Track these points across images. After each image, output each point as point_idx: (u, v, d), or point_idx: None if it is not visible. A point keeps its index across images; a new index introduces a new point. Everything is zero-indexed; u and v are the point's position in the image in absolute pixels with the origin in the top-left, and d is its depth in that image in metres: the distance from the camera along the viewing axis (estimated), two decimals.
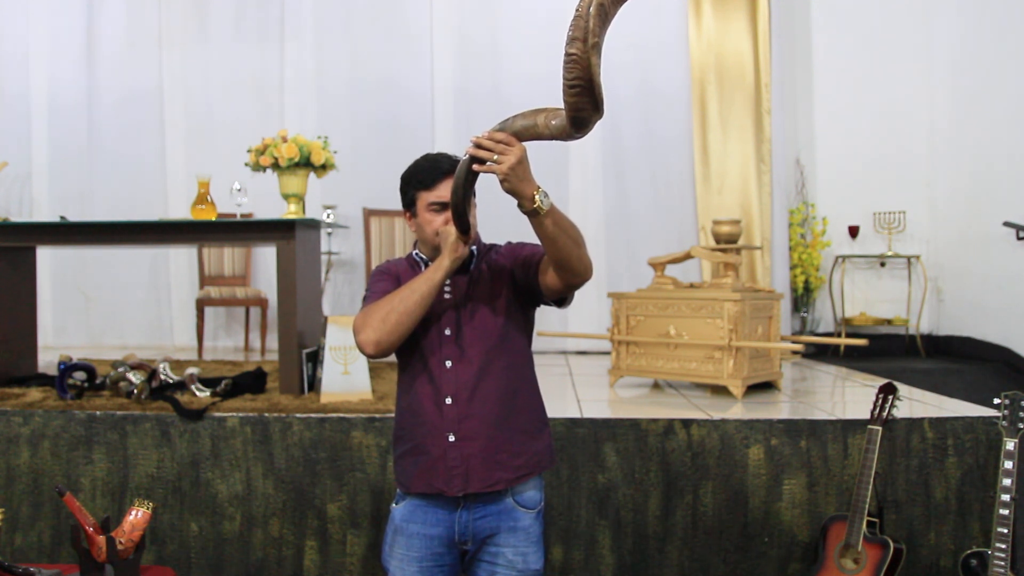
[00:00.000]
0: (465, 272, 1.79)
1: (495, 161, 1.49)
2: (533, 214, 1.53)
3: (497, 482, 1.72)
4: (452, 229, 1.68)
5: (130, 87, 5.73)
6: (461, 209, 1.63)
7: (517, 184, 1.50)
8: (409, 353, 1.76)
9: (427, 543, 1.75)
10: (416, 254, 1.86)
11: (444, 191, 1.72)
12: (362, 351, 1.66)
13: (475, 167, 1.53)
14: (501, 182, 1.51)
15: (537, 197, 1.51)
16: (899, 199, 5.68)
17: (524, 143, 1.52)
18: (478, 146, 1.51)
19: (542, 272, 1.70)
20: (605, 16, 1.33)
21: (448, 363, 1.73)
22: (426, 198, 1.75)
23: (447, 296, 1.76)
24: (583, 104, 1.39)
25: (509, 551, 1.75)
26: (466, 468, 1.70)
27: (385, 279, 1.80)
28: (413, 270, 1.81)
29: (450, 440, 1.71)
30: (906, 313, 5.71)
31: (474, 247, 1.80)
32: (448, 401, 1.71)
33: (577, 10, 1.33)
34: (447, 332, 1.74)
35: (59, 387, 3.23)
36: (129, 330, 5.74)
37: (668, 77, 5.54)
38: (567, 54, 1.34)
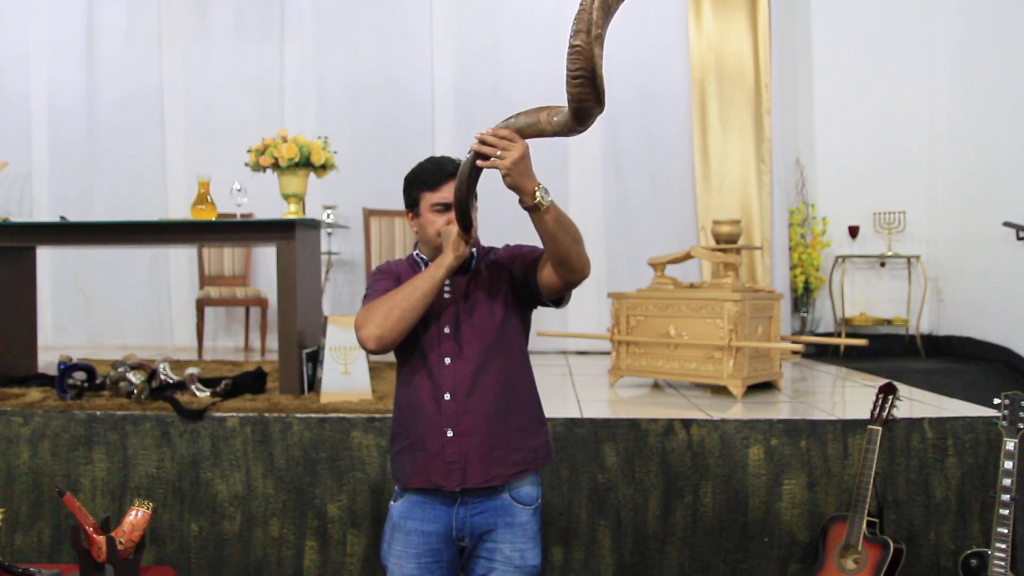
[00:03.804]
0: (465, 272, 1.81)
1: (498, 157, 1.52)
2: (534, 209, 1.56)
3: (494, 478, 1.73)
4: (454, 228, 1.71)
5: (130, 87, 5.73)
6: (464, 205, 1.66)
7: (519, 179, 1.53)
8: (409, 350, 1.78)
9: (425, 540, 1.76)
10: (417, 255, 1.88)
11: (448, 192, 1.75)
12: (363, 347, 1.69)
13: (479, 163, 1.56)
14: (504, 177, 1.53)
15: (538, 193, 1.54)
16: (899, 199, 5.68)
17: (527, 140, 1.54)
18: (482, 142, 1.54)
19: (540, 270, 1.73)
20: (608, 9, 1.36)
21: (447, 360, 1.75)
22: (430, 199, 1.78)
23: (446, 295, 1.79)
24: (586, 95, 1.41)
25: (506, 547, 1.77)
26: (464, 463, 1.72)
27: (386, 278, 1.82)
28: (414, 270, 1.83)
29: (448, 435, 1.73)
30: (906, 313, 5.71)
31: (474, 248, 1.83)
32: (447, 397, 1.74)
33: (581, 4, 1.36)
34: (446, 330, 1.76)
35: (59, 387, 3.23)
36: (129, 330, 5.74)
37: (668, 77, 5.53)
38: (571, 45, 1.37)
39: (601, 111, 1.45)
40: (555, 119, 1.51)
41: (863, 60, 5.76)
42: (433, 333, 1.76)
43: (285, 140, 3.52)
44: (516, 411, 1.78)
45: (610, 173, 5.53)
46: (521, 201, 1.56)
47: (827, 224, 5.77)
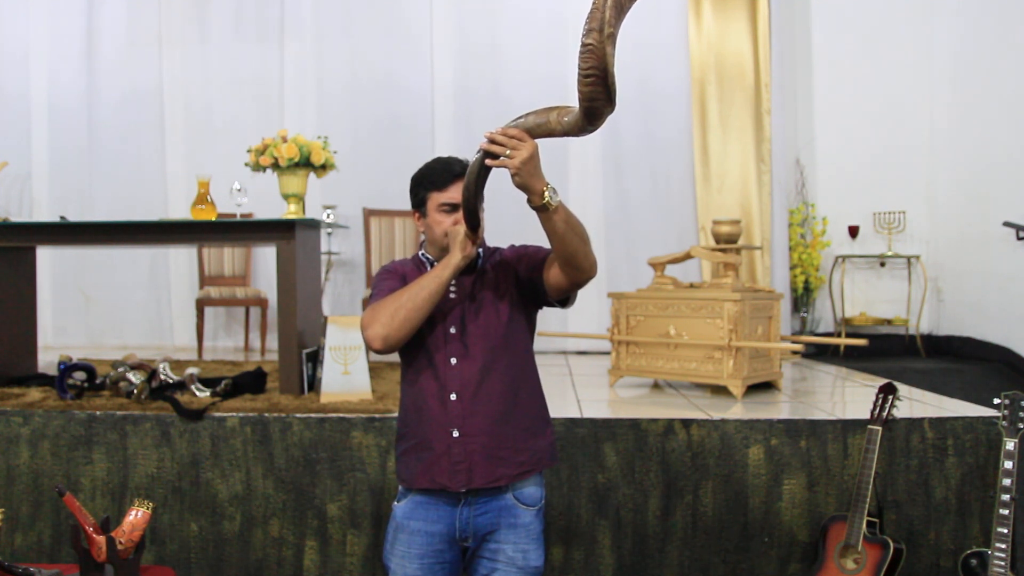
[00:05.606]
0: (471, 272, 1.82)
1: (507, 156, 1.52)
2: (542, 209, 1.56)
3: (500, 478, 1.73)
4: (461, 228, 1.71)
5: (130, 87, 5.73)
6: (473, 205, 1.66)
7: (528, 179, 1.53)
8: (414, 351, 1.78)
9: (428, 540, 1.76)
10: (422, 255, 1.89)
11: (455, 193, 1.75)
12: (370, 346, 1.70)
13: (488, 162, 1.56)
14: (513, 176, 1.54)
15: (547, 193, 1.55)
16: (899, 199, 5.68)
17: (536, 140, 1.54)
18: (492, 141, 1.54)
19: (547, 270, 1.74)
20: (620, 8, 1.37)
21: (453, 360, 1.75)
22: (437, 199, 1.78)
23: (452, 295, 1.79)
24: (597, 94, 1.41)
25: (509, 548, 1.77)
26: (470, 464, 1.72)
27: (392, 278, 1.82)
28: (419, 270, 1.84)
29: (454, 436, 1.73)
30: (906, 313, 5.71)
31: (479, 248, 1.83)
32: (453, 397, 1.74)
33: (594, 2, 1.36)
34: (452, 330, 1.76)
35: (59, 387, 3.23)
36: (129, 330, 5.74)
37: (668, 77, 5.53)
38: (583, 44, 1.37)
39: (612, 110, 1.45)
40: (565, 119, 1.51)
41: (863, 60, 5.76)
42: (439, 333, 1.76)
43: (285, 140, 3.52)
44: (522, 411, 1.78)
45: (610, 173, 5.53)
46: (530, 201, 1.57)
47: (827, 224, 5.77)
